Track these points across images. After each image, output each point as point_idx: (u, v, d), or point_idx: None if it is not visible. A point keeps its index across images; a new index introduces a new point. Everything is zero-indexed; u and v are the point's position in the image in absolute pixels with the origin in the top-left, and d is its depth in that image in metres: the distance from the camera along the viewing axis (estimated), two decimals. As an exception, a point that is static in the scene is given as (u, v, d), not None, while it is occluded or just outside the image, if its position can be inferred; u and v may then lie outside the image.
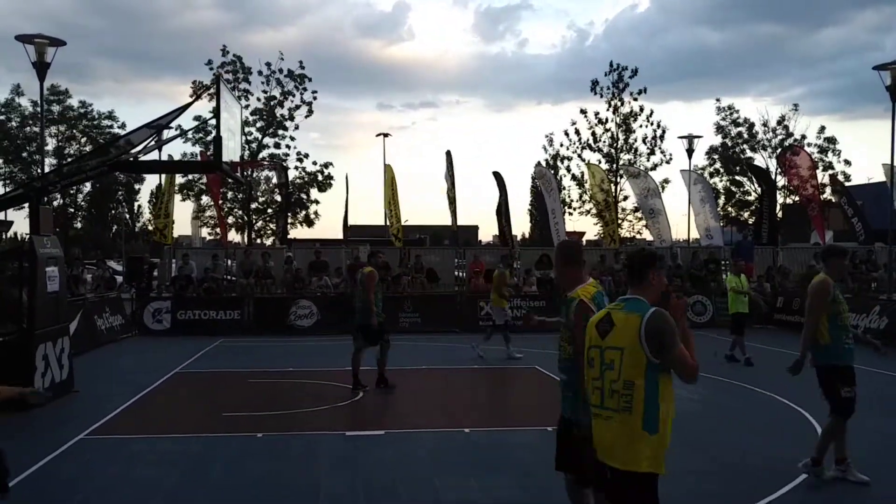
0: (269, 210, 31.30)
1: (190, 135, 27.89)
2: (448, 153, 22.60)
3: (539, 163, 32.46)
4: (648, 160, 31.92)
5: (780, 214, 30.98)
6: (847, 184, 30.04)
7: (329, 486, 6.47)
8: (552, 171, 30.66)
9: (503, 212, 22.87)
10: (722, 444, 7.85)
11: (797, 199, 28.28)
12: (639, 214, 31.64)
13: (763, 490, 6.14)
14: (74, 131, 39.73)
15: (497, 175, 23.17)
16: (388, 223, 23.36)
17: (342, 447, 7.72)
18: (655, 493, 3.54)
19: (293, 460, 7.24)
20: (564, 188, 32.58)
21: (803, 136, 33.58)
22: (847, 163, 33.38)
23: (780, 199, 31.43)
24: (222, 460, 7.15)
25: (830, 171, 32.26)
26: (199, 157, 27.30)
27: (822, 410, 8.41)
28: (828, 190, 29.61)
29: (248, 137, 29.45)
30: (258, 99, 29.55)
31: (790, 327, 16.61)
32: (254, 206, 30.89)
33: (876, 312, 15.54)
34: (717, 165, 35.17)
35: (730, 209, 35.17)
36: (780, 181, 30.84)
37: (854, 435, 6.52)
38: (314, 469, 6.93)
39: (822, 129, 33.28)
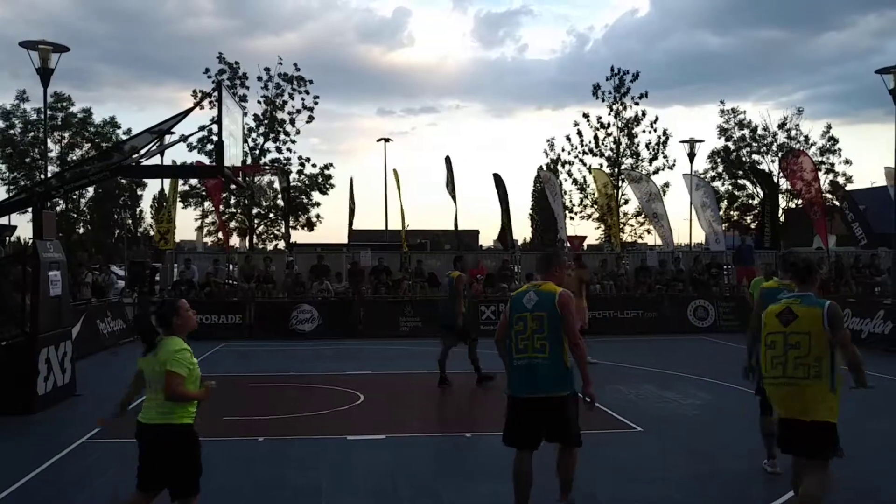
0: (271, 215, 31.36)
1: (194, 142, 28.01)
2: (447, 159, 22.64)
3: (541, 167, 32.51)
4: (651, 165, 31.96)
5: (782, 218, 30.93)
6: (849, 187, 30.07)
7: (330, 490, 6.46)
8: (554, 176, 30.70)
9: (505, 214, 22.90)
10: (727, 449, 7.83)
11: (799, 202, 28.23)
12: (640, 219, 31.63)
13: (765, 496, 6.12)
14: (78, 138, 39.81)
15: (497, 177, 23.17)
16: (402, 227, 23.39)
17: (344, 451, 7.70)
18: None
19: (295, 464, 7.22)
20: (566, 193, 32.61)
21: (807, 138, 33.53)
22: (848, 162, 33.34)
23: (782, 203, 31.40)
24: (224, 464, 7.12)
25: (832, 174, 32.23)
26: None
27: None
28: (831, 194, 29.62)
29: (251, 144, 29.54)
30: (258, 102, 29.64)
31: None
32: (255, 210, 30.95)
33: (880, 317, 15.47)
34: (720, 169, 35.16)
35: (732, 213, 35.14)
36: (783, 184, 30.80)
37: (859, 439, 6.49)
38: (316, 473, 6.92)
39: (829, 127, 33.23)
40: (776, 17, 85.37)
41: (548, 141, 33.97)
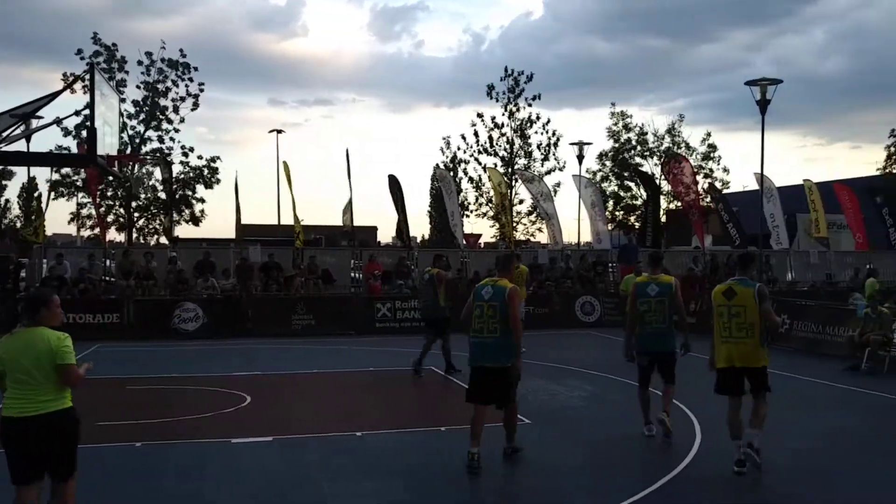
0: (153, 208, 29.83)
1: (70, 127, 26.24)
2: (347, 152, 22.41)
3: (438, 165, 32.65)
4: (543, 165, 32.71)
5: (663, 219, 32.42)
6: (725, 191, 31.83)
7: (212, 496, 6.16)
8: (451, 174, 30.89)
9: (401, 212, 22.81)
10: (607, 440, 8.06)
11: (679, 204, 29.69)
12: (532, 217, 32.37)
13: (637, 485, 6.30)
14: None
15: (392, 179, 23.04)
16: (294, 222, 22.76)
17: (228, 455, 7.37)
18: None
19: (175, 471, 6.85)
20: (462, 191, 32.88)
21: (687, 145, 35.28)
22: (726, 170, 35.40)
23: (663, 205, 32.91)
24: (97, 472, 6.63)
25: (710, 179, 34.08)
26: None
27: (703, 406, 8.82)
28: (708, 197, 31.28)
29: (130, 132, 27.99)
30: (137, 87, 28.15)
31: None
32: (135, 203, 29.34)
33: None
34: (607, 170, 36.47)
35: (617, 213, 36.51)
36: (665, 187, 32.31)
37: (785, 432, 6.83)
38: (197, 479, 6.58)
39: (708, 134, 35.09)
40: (660, 27, 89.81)
41: (444, 139, 34.18)
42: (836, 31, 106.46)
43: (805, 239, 27.70)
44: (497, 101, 32.47)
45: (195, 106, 29.15)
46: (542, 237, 33.11)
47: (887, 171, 33.99)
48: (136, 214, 29.55)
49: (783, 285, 23.20)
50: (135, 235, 29.99)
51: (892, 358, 12.32)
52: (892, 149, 34.12)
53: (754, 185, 24.74)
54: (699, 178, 29.91)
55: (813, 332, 14.81)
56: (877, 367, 12.13)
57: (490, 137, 32.75)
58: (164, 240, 29.14)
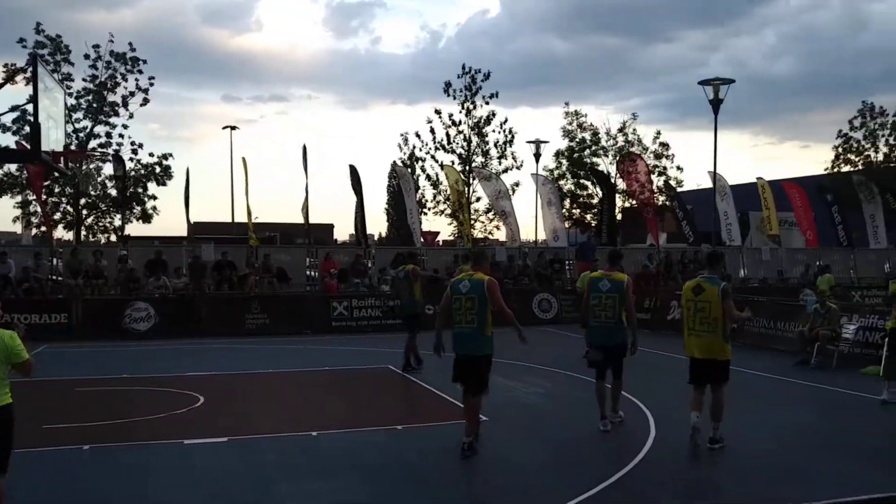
0: (102, 205, 29.00)
1: (8, 122, 25.35)
2: (304, 148, 22.16)
3: (396, 162, 32.46)
4: (500, 164, 32.78)
5: (619, 216, 32.79)
6: (680, 190, 32.31)
7: (164, 499, 6.01)
8: (409, 171, 30.76)
9: (359, 209, 22.62)
10: (564, 436, 8.13)
11: (634, 202, 30.07)
12: (490, 215, 32.42)
13: (594, 480, 6.34)
14: None
15: (353, 169, 22.84)
16: (248, 219, 22.40)
17: (180, 457, 7.21)
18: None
19: (125, 473, 6.67)
20: (420, 188, 32.76)
21: (640, 142, 35.69)
22: (680, 169, 35.93)
23: (619, 203, 33.28)
24: (42, 477, 6.45)
25: (665, 177, 34.52)
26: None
27: (656, 399, 8.93)
28: (663, 195, 31.76)
29: (77, 126, 27.17)
30: (84, 81, 27.31)
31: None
32: (84, 200, 28.48)
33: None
34: (564, 169, 36.71)
35: (574, 211, 36.82)
36: (621, 185, 32.67)
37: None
38: (148, 482, 6.42)
39: (658, 133, 35.55)
40: (616, 27, 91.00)
41: (402, 135, 34.00)
42: (786, 33, 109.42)
43: (757, 236, 28.35)
44: (454, 98, 32.44)
45: (145, 101, 28.44)
46: (500, 235, 33.24)
47: (836, 170, 34.92)
48: (84, 212, 28.70)
49: (736, 282, 23.70)
50: (83, 233, 29.13)
51: (841, 352, 12.65)
52: (841, 148, 35.06)
53: (708, 184, 25.21)
54: (654, 176, 30.31)
55: (765, 327, 15.13)
56: (826, 362, 12.44)
57: (447, 135, 32.71)
58: (114, 238, 28.38)
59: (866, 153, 34.58)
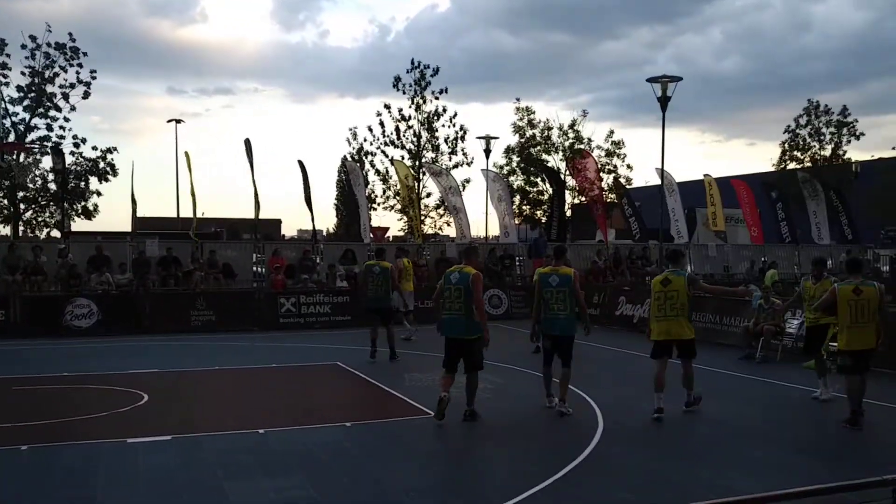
0: (42, 200, 28.02)
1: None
2: (247, 141, 21.58)
3: (345, 157, 32.19)
4: (450, 159, 32.77)
5: (569, 213, 33.15)
6: (628, 187, 32.79)
7: (106, 499, 5.85)
8: (358, 166, 30.52)
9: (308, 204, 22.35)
10: (514, 430, 8.19)
11: (584, 199, 30.40)
12: (440, 211, 32.38)
13: (543, 473, 6.42)
14: None
15: (301, 164, 22.57)
16: (193, 214, 21.89)
17: (122, 456, 7.02)
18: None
19: (64, 473, 6.47)
20: (369, 183, 32.52)
21: (590, 140, 36.14)
22: (629, 167, 36.53)
23: (569, 199, 33.64)
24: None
25: (614, 174, 35.01)
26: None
27: (602, 391, 9.06)
28: (612, 192, 32.19)
29: (14, 119, 26.21)
30: (22, 73, 26.34)
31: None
32: (21, 194, 27.45)
33: (649, 303, 17.02)
34: (514, 165, 36.94)
35: (525, 208, 37.10)
36: (570, 182, 33.01)
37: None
38: (89, 482, 6.23)
39: (612, 132, 36.02)
40: (564, 23, 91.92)
41: (350, 129, 33.69)
42: (732, 32, 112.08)
43: (704, 232, 28.95)
44: (404, 93, 32.29)
45: (87, 94, 27.57)
46: (451, 231, 33.25)
47: (781, 167, 35.85)
48: (22, 206, 27.69)
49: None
50: (21, 228, 28.11)
51: (785, 347, 13.01)
52: (786, 146, 36.03)
53: (656, 181, 25.64)
54: (603, 174, 30.71)
55: (710, 322, 15.44)
56: (770, 356, 12.79)
57: (397, 129, 32.55)
58: (55, 233, 27.44)
59: (812, 150, 35.51)
